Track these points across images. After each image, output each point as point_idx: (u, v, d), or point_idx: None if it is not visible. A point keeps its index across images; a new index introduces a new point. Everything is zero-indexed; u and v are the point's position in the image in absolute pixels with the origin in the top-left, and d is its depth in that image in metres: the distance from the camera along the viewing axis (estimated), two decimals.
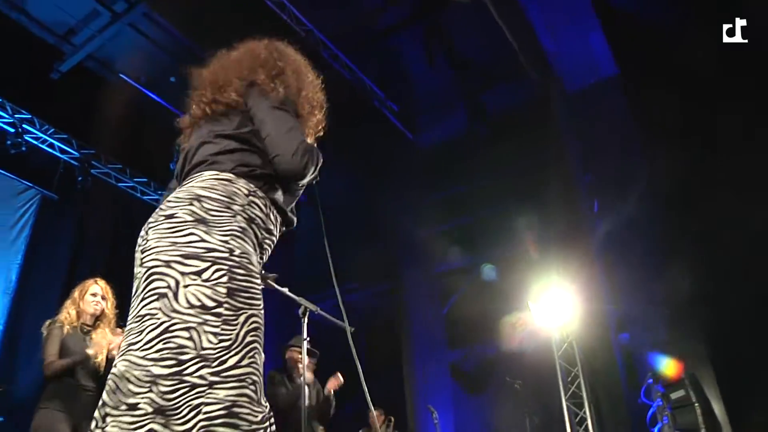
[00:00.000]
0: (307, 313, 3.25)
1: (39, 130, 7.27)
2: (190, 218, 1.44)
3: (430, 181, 9.12)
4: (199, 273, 1.37)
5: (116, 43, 7.10)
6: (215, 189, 1.51)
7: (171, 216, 1.46)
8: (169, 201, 1.52)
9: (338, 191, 7.90)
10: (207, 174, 1.55)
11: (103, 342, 3.47)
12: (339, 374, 4.61)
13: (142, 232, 1.52)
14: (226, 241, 1.43)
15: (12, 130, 7.07)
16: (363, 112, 8.16)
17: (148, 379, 1.27)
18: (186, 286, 1.35)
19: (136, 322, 1.37)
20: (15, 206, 7.41)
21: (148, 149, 7.43)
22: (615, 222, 7.07)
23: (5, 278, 7.21)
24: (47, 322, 3.55)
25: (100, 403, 1.32)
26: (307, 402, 4.28)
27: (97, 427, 1.29)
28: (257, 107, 1.69)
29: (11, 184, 7.38)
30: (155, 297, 1.36)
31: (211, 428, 1.24)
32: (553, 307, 6.74)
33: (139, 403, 1.25)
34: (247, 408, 1.30)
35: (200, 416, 1.24)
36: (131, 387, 1.28)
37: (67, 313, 3.55)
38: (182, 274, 1.37)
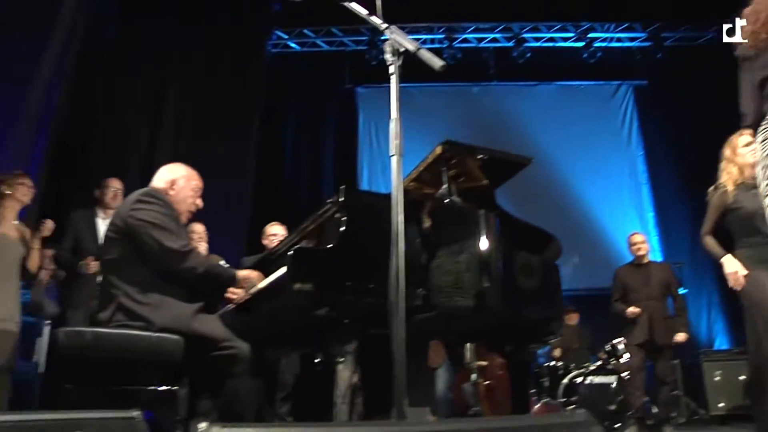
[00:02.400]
0: None
1: (601, 32, 7.57)
2: None
3: None
4: None
5: None
6: None
7: None
8: None
9: None
10: None
11: None
12: None
13: None
14: None
15: (581, 44, 7.57)
16: None
17: None
18: None
19: None
20: (615, 107, 7.90)
21: None
22: None
23: (634, 171, 7.69)
24: (710, 190, 3.51)
25: None
26: None
27: None
28: None
29: (602, 90, 7.93)
30: None
31: None
32: None
33: None
34: None
35: None
36: None
37: (728, 173, 3.41)
38: None
